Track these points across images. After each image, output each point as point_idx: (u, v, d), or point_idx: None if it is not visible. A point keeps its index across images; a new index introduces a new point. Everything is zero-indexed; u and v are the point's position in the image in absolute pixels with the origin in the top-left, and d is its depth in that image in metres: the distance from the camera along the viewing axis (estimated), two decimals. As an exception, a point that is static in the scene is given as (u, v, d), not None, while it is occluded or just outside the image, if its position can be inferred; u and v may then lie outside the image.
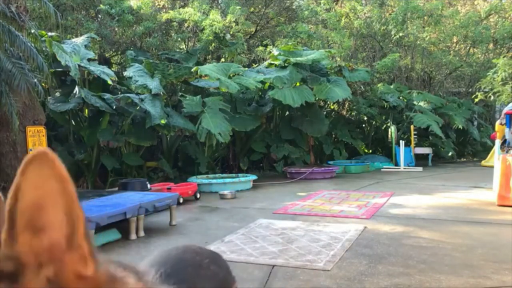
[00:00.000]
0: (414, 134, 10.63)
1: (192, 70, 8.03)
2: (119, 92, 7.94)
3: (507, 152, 5.87)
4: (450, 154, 12.33)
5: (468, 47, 13.50)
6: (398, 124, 11.40)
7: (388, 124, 11.62)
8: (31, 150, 6.42)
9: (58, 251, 0.39)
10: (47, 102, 7.19)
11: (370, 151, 11.94)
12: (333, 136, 11.07)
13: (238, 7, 10.25)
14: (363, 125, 12.64)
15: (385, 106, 11.48)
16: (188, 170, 8.53)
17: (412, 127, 10.59)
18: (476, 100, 10.56)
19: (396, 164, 10.38)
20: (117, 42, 10.14)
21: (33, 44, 5.68)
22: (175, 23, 10.32)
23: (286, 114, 10.21)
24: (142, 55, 9.29)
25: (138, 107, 7.47)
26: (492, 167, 6.66)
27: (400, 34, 11.79)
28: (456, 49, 13.49)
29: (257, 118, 9.03)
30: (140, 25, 9.84)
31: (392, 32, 11.95)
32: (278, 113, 10.16)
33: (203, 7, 10.48)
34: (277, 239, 4.00)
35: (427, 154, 11.35)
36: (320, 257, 3.40)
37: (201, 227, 4.65)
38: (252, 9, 12.64)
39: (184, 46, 11.40)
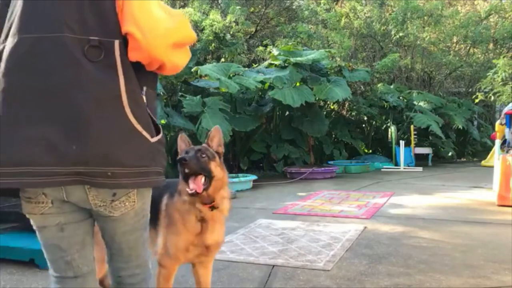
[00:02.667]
0: (414, 134, 10.62)
1: (192, 70, 8.03)
2: (119, 92, 7.93)
3: (507, 152, 5.87)
4: (450, 154, 12.33)
5: (468, 47, 13.49)
6: (398, 124, 11.39)
7: (388, 124, 11.61)
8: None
9: None
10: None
11: (370, 151, 11.93)
12: (333, 136, 11.06)
13: (238, 7, 10.24)
14: (363, 125, 12.63)
15: (385, 106, 11.46)
16: (188, 170, 8.51)
17: (412, 127, 10.58)
18: (477, 100, 10.55)
19: (396, 164, 10.37)
20: (117, 42, 10.12)
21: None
22: (175, 23, 10.29)
23: (286, 114, 10.20)
24: (142, 55, 9.27)
25: (138, 107, 7.46)
26: (492, 167, 6.66)
27: (400, 34, 11.78)
28: (456, 49, 13.48)
29: (257, 118, 9.02)
30: (140, 25, 9.82)
31: (392, 32, 11.95)
32: (278, 113, 10.15)
33: (203, 7, 10.47)
34: (277, 239, 4.00)
35: (427, 154, 11.35)
36: (320, 257, 3.41)
37: (201, 227, 4.64)
38: (252, 9, 12.64)
39: (184, 46, 11.37)
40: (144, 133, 1.30)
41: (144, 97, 1.36)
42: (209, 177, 1.92)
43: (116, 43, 1.27)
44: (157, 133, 1.38)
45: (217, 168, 1.96)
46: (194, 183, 1.87)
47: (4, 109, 1.24)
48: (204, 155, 1.93)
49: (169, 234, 2.04)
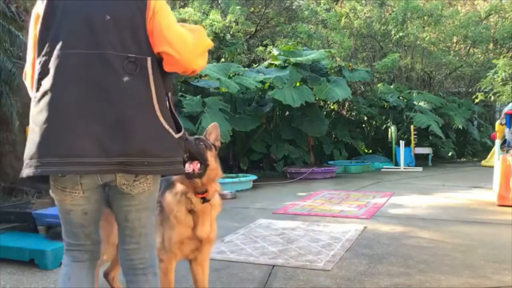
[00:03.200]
0: (414, 134, 10.61)
1: (192, 70, 8.02)
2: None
3: (507, 152, 5.87)
4: (450, 154, 12.32)
5: (468, 47, 13.48)
6: (398, 124, 11.38)
7: (388, 124, 11.60)
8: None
9: None
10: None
11: (370, 151, 11.92)
12: (333, 136, 11.05)
13: (238, 7, 10.25)
14: (363, 125, 12.62)
15: (385, 106, 11.46)
16: (188, 170, 8.50)
17: (412, 127, 10.58)
18: (477, 100, 10.54)
19: (396, 164, 10.37)
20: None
21: (33, 44, 5.67)
22: (175, 23, 10.29)
23: (286, 114, 10.20)
24: (142, 55, 9.26)
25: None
26: (492, 167, 6.66)
27: (400, 34, 11.77)
28: (456, 49, 13.48)
29: (257, 118, 9.01)
30: (140, 25, 9.81)
31: (392, 32, 11.94)
32: (278, 113, 10.15)
33: (203, 7, 10.47)
34: (277, 239, 4.00)
35: (427, 154, 11.34)
36: (320, 257, 3.41)
37: (201, 227, 4.64)
38: (252, 9, 12.64)
39: (184, 46, 11.36)
40: (171, 131, 1.63)
41: (167, 101, 1.69)
42: (205, 164, 2.03)
43: (149, 59, 1.60)
44: (179, 130, 1.69)
45: (212, 158, 2.09)
46: (191, 165, 1.99)
47: (59, 111, 1.52)
48: (202, 143, 2.07)
49: (164, 228, 2.12)
